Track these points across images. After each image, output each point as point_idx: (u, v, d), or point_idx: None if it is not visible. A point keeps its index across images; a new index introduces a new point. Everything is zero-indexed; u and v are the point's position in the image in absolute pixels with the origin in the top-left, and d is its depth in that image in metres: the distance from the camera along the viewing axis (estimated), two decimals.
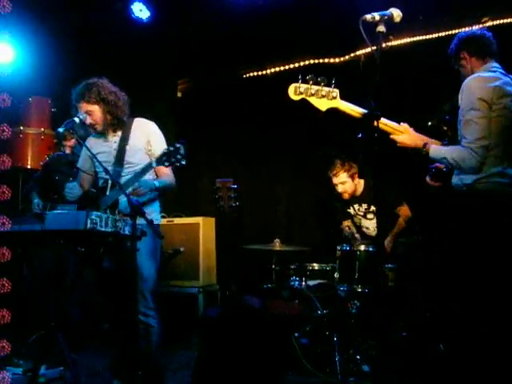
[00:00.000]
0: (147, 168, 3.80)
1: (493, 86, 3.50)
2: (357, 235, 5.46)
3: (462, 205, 3.55)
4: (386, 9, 3.08)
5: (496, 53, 3.75)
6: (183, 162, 3.68)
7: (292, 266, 5.25)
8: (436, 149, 3.58)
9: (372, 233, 5.45)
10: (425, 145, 3.59)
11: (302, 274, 5.13)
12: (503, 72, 3.66)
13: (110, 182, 3.91)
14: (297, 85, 3.26)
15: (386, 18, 2.98)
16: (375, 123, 3.10)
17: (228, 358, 3.77)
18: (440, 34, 5.80)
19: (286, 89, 6.81)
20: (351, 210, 5.56)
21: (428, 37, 5.90)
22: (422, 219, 5.31)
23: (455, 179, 3.59)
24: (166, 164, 3.68)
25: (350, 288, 4.77)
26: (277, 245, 5.34)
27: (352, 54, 6.52)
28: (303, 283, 5.07)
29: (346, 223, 5.61)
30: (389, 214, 5.21)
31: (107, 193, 3.90)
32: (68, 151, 5.39)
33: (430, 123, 3.80)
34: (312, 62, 6.70)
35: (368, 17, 2.96)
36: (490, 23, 5.74)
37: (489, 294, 3.42)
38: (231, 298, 4.31)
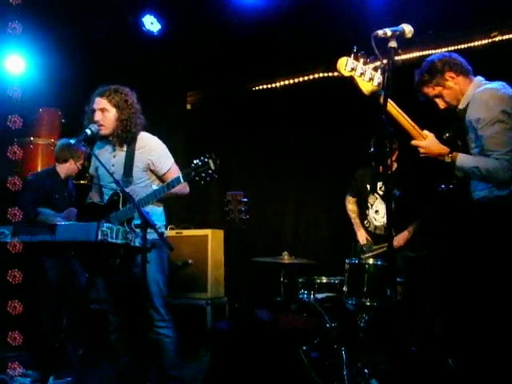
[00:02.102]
0: (174, 183, 3.70)
1: (508, 95, 3.45)
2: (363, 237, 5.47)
3: (500, 218, 3.43)
4: (394, 24, 3.02)
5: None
6: (215, 177, 3.56)
7: (300, 279, 5.23)
8: (465, 157, 3.46)
9: (378, 221, 5.43)
10: (450, 152, 3.46)
11: (311, 287, 5.12)
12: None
13: (121, 196, 3.82)
14: (348, 59, 3.17)
15: (397, 33, 2.94)
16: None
17: (238, 370, 3.77)
18: (449, 48, 5.79)
19: (295, 102, 6.83)
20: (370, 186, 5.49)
21: (438, 51, 5.90)
22: (435, 232, 5.27)
23: (484, 192, 3.49)
24: (197, 179, 3.57)
25: (358, 301, 4.75)
26: (285, 258, 5.33)
27: None
28: (312, 296, 5.06)
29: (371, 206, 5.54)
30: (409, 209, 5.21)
31: (120, 207, 3.84)
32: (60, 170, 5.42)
33: (447, 135, 3.69)
34: (322, 75, 6.71)
35: (380, 32, 2.92)
36: (499, 38, 5.75)
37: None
38: (241, 311, 4.30)
